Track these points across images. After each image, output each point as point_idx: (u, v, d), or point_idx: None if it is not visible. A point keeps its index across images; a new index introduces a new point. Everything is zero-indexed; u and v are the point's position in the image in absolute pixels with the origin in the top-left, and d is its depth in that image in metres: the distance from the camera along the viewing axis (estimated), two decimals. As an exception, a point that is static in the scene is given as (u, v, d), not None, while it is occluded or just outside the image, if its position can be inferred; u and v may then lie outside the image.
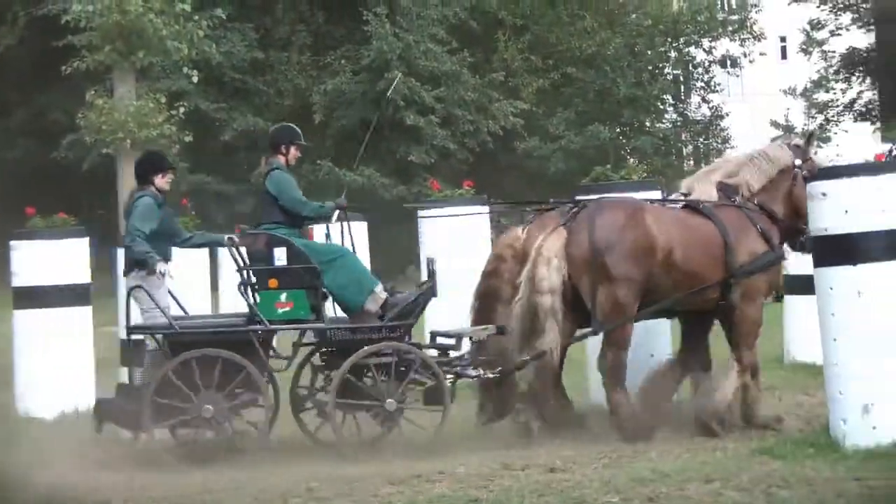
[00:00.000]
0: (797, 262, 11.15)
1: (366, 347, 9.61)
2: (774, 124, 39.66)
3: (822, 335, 8.82)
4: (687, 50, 36.95)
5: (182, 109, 25.35)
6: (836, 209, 8.68)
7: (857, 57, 39.50)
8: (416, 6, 31.18)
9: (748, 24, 38.60)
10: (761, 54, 39.93)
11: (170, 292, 10.18)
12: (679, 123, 36.75)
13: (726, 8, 44.45)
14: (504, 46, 32.59)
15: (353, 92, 30.85)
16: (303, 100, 31.45)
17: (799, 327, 12.75)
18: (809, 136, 10.66)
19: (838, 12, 39.58)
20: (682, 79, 37.65)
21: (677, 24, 36.04)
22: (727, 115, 38.26)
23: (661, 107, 36.35)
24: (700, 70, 37.60)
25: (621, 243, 9.64)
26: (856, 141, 38.07)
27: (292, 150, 10.50)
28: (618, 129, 34.12)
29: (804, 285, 10.87)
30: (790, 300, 12.75)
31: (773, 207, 10.18)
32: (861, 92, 39.94)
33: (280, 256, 9.89)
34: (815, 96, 39.68)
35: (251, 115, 30.68)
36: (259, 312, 9.74)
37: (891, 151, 34.52)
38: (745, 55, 38.99)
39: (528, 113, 31.76)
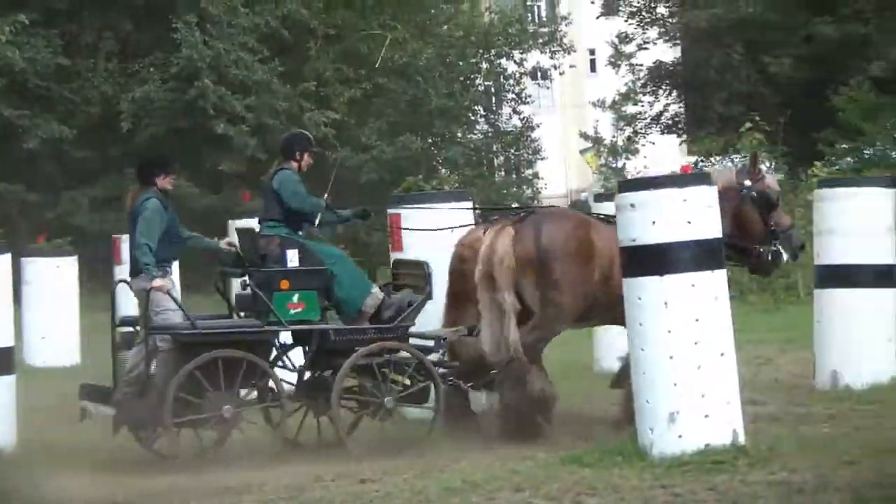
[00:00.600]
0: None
1: (366, 347, 9.96)
2: (584, 136, 40.13)
3: (630, 345, 8.92)
4: (498, 62, 37.21)
5: (-16, 116, 24.69)
6: (644, 220, 8.78)
7: (663, 70, 40.27)
8: (227, 15, 30.84)
9: (558, 37, 39.03)
10: (571, 67, 40.42)
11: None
12: (490, 134, 36.99)
13: (537, 20, 44.99)
14: (316, 56, 32.42)
15: (161, 100, 30.39)
16: (110, 107, 30.85)
17: (608, 337, 12.89)
18: (753, 158, 11.33)
19: (646, 26, 40.29)
20: (493, 90, 37.90)
21: (489, 36, 36.27)
22: (538, 126, 38.62)
23: (473, 118, 36.55)
24: (511, 82, 37.89)
25: (565, 250, 9.97)
26: (663, 153, 38.83)
27: (306, 156, 10.68)
28: (429, 140, 34.20)
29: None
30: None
31: None
32: (668, 105, 40.71)
33: (293, 258, 10.15)
34: (623, 109, 40.26)
35: (56, 123, 29.99)
36: (276, 313, 9.95)
37: (696, 163, 35.37)
38: (555, 67, 39.42)
39: (340, 123, 31.64)
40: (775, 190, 11.01)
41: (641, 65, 40.20)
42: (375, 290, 10.39)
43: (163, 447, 10.06)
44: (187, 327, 9.92)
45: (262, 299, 10.02)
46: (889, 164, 27.62)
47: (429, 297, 10.26)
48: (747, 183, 10.72)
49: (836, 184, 12.91)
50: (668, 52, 42.29)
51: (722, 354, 8.76)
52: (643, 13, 40.19)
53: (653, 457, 8.53)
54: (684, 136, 41.71)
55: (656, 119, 40.39)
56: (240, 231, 11.13)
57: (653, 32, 40.19)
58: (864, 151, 28.73)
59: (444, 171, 32.67)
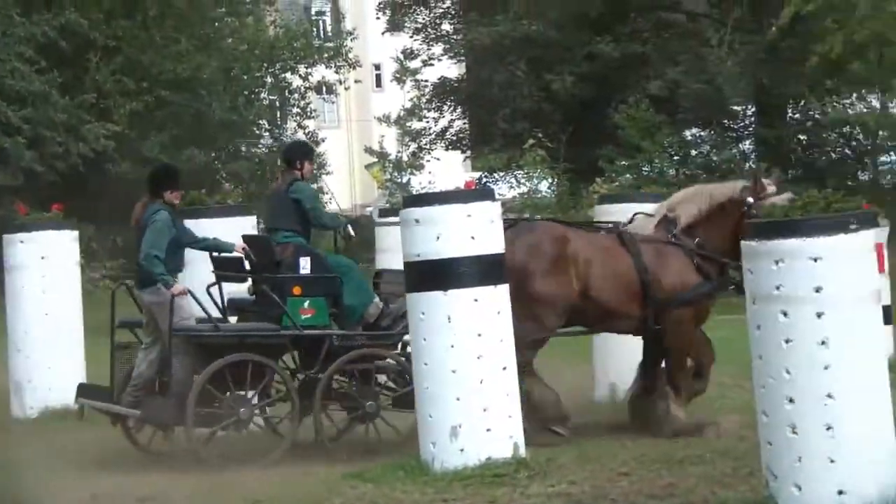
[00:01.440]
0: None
1: (348, 354, 10.24)
2: (369, 151, 40.17)
3: (414, 360, 8.93)
4: (283, 76, 37.04)
5: None
6: (428, 235, 8.80)
7: (448, 87, 40.55)
8: (2, 24, 30.02)
9: (343, 52, 39.04)
10: (357, 82, 40.45)
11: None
12: (275, 148, 36.75)
13: (322, 35, 44.93)
14: (96, 67, 31.79)
15: (-68, 110, 29.43)
16: None
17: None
18: (755, 176, 10.96)
19: (431, 43, 40.53)
20: (278, 104, 37.72)
21: (273, 50, 36.09)
22: (323, 140, 38.56)
23: (258, 132, 36.31)
24: (296, 96, 37.76)
25: (536, 264, 10.00)
26: (448, 168, 39.08)
27: (306, 164, 11.12)
28: (213, 154, 33.85)
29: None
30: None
31: (712, 241, 10.51)
32: (452, 121, 41.01)
33: (305, 265, 10.52)
34: (408, 124, 40.41)
35: None
36: (291, 318, 10.26)
37: (480, 179, 35.67)
38: (340, 82, 39.41)
39: (121, 136, 31.07)
40: (780, 208, 10.27)
41: (426, 81, 40.42)
42: (377, 299, 10.68)
43: (157, 446, 10.42)
44: (210, 329, 10.25)
45: (277, 303, 10.31)
46: (666, 181, 28.33)
47: None
48: (750, 200, 10.49)
49: (615, 199, 13.11)
50: (452, 69, 42.62)
51: (504, 368, 8.83)
52: (428, 29, 40.42)
53: (435, 471, 8.54)
54: (469, 152, 42.07)
55: (441, 135, 40.64)
56: (251, 238, 11.23)
57: (438, 49, 40.45)
58: (643, 168, 29.42)
59: (228, 185, 32.36)
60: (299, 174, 11.04)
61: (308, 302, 10.35)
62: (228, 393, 10.07)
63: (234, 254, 10.79)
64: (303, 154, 11.26)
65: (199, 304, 10.31)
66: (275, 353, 10.40)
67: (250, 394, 10.26)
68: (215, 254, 10.88)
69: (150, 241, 10.32)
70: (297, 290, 10.36)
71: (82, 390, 10.65)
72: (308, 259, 10.54)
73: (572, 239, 10.34)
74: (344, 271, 10.67)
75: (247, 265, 10.74)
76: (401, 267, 10.29)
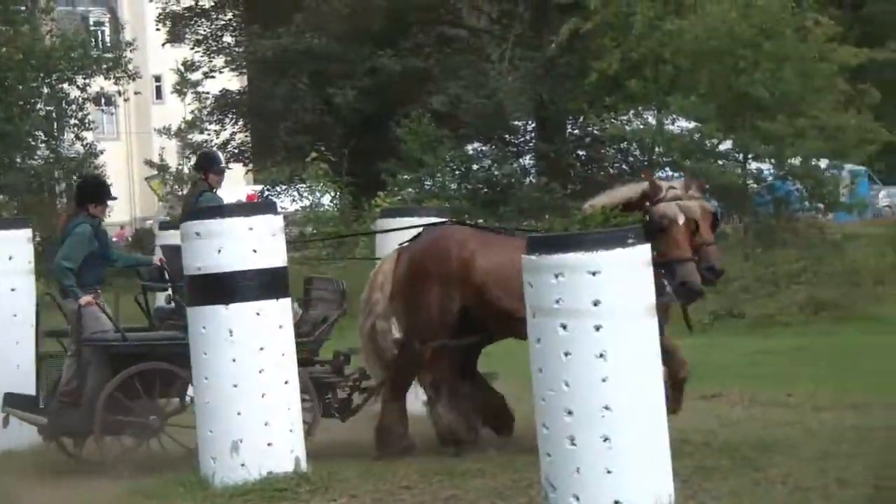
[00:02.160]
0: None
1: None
2: (149, 163, 39.58)
3: (195, 375, 8.84)
4: (60, 86, 36.26)
5: None
6: (210, 249, 8.73)
7: (230, 99, 40.25)
8: None
9: (123, 63, 38.41)
10: (136, 93, 39.82)
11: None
12: (52, 160, 35.95)
13: (101, 46, 44.09)
14: None
15: None
16: None
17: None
18: (650, 179, 10.02)
19: (212, 55, 40.18)
20: (55, 115, 36.86)
21: (50, 60, 35.30)
22: (102, 152, 37.87)
23: (34, 143, 35.46)
24: (74, 107, 36.99)
25: (420, 273, 9.78)
26: (230, 181, 38.71)
27: (211, 175, 11.64)
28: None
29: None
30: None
31: None
32: (234, 133, 40.71)
33: None
34: (189, 136, 39.93)
35: None
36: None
37: (263, 192, 35.46)
38: (119, 94, 38.78)
39: None
40: (670, 214, 9.52)
41: (208, 93, 40.04)
42: (294, 306, 10.27)
43: (90, 454, 10.33)
44: (118, 339, 10.20)
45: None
46: (448, 195, 28.58)
47: (343, 313, 10.44)
48: (648, 203, 9.57)
49: (397, 213, 13.16)
50: (234, 81, 42.33)
51: (286, 382, 8.78)
52: (210, 41, 40.07)
53: (215, 486, 8.46)
54: (251, 165, 41.81)
55: (223, 147, 40.24)
56: (166, 248, 11.23)
57: (219, 61, 40.12)
58: (425, 182, 29.61)
59: (2, 196, 31.55)
60: (206, 184, 11.35)
61: None
62: (137, 402, 9.98)
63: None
64: (209, 164, 11.72)
65: (108, 315, 10.33)
66: (185, 362, 10.02)
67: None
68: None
69: (63, 252, 10.44)
70: None
71: (8, 399, 10.44)
72: None
73: (472, 243, 9.98)
74: None
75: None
76: None
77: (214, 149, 31.89)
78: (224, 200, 11.57)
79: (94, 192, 11.01)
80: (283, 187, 33.97)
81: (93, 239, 10.56)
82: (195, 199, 11.20)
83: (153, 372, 10.05)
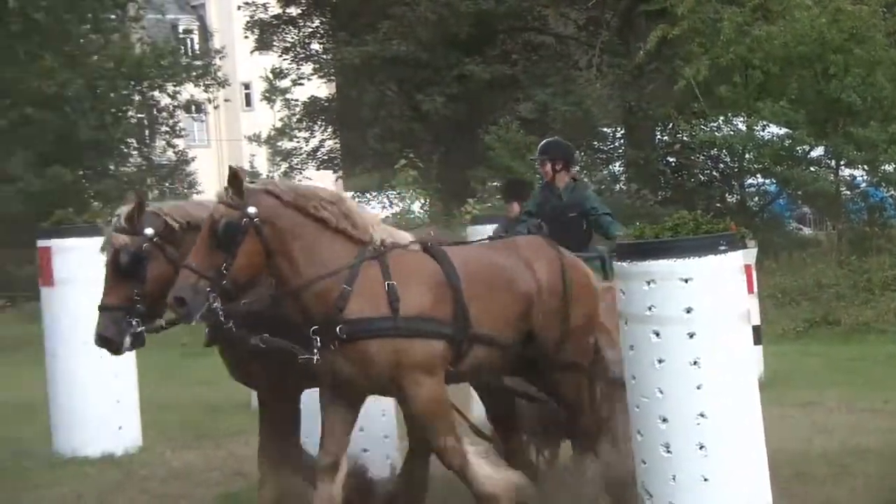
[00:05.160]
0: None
1: None
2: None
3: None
4: (151, 94, 36.66)
5: None
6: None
7: (318, 106, 40.48)
8: None
9: (212, 71, 38.76)
10: (226, 101, 40.17)
11: None
12: (144, 167, 36.35)
13: (190, 53, 44.53)
14: (-44, 84, 31.20)
15: None
16: None
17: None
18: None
19: (300, 62, 40.44)
20: (146, 122, 37.28)
21: (140, 68, 35.68)
22: (193, 159, 38.25)
23: (126, 150, 35.86)
24: (165, 114, 37.39)
25: None
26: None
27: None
28: (81, 172, 33.35)
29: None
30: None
31: None
32: (324, 140, 40.94)
33: None
34: (279, 143, 40.24)
35: None
36: None
37: (352, 198, 35.48)
38: (209, 101, 39.15)
39: (-16, 153, 30.52)
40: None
41: (297, 100, 40.31)
42: None
43: None
44: None
45: None
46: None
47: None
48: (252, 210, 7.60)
49: (488, 220, 13.15)
50: (323, 88, 42.56)
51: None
52: (297, 49, 40.33)
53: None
54: (340, 172, 42.01)
55: (312, 154, 40.54)
56: None
57: (307, 68, 40.36)
58: (514, 189, 29.50)
59: (96, 204, 31.89)
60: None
61: None
62: None
63: None
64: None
65: None
66: None
67: None
68: None
69: None
70: None
71: None
72: None
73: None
74: None
75: None
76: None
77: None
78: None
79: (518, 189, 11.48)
80: (373, 194, 34.10)
81: None
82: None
83: None
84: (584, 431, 8.46)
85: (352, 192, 37.07)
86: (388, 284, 7.50)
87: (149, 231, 7.76)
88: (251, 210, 7.33)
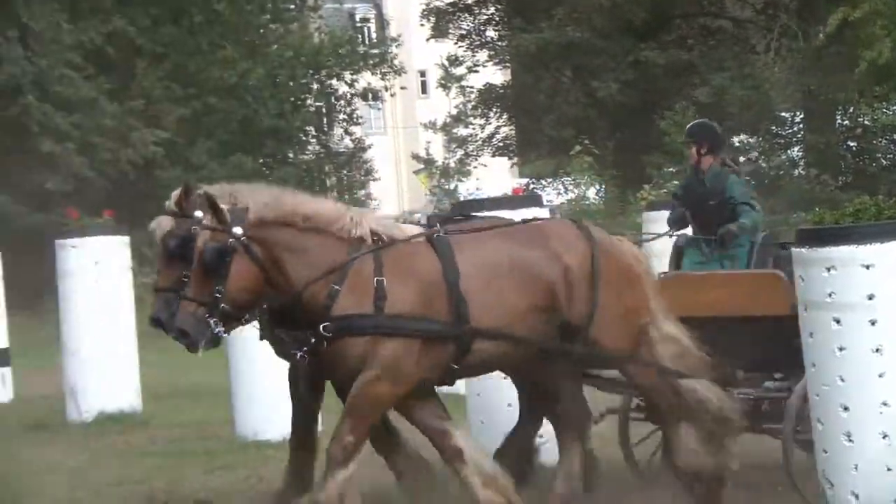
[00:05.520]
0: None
1: None
2: (416, 157, 40.26)
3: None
4: (329, 82, 37.15)
5: None
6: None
7: (494, 93, 40.58)
8: (50, 30, 30.21)
9: (389, 59, 39.12)
10: (402, 88, 40.55)
11: None
12: (322, 155, 36.88)
13: (367, 42, 45.01)
14: (143, 74, 31.96)
15: (-18, 116, 29.63)
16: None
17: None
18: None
19: (475, 49, 40.58)
20: (324, 111, 37.81)
21: (319, 56, 36.19)
22: (370, 147, 38.66)
23: (304, 138, 36.41)
24: (342, 102, 37.86)
25: None
26: (495, 175, 39.11)
27: None
28: (261, 160, 33.96)
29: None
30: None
31: None
32: (499, 127, 41.03)
33: None
34: (454, 130, 40.45)
35: None
36: None
37: (528, 185, 35.65)
38: (386, 89, 39.51)
39: (170, 142, 31.23)
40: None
41: (472, 87, 40.47)
42: None
43: None
44: None
45: None
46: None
47: None
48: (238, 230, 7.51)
49: (663, 206, 13.04)
50: (498, 75, 42.65)
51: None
52: (473, 36, 40.48)
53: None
54: (515, 159, 42.06)
55: (487, 141, 40.68)
56: None
57: (483, 55, 40.49)
58: (690, 175, 29.26)
59: (275, 191, 32.44)
60: None
61: None
62: None
63: None
64: None
65: None
66: None
67: None
68: None
69: None
70: None
71: None
72: None
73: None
74: None
75: None
76: None
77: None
78: None
79: None
80: (549, 180, 34.11)
81: None
82: None
83: None
84: (666, 419, 8.15)
85: (527, 179, 37.19)
86: (376, 281, 7.46)
87: (198, 214, 7.69)
88: (237, 230, 7.37)
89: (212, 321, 7.30)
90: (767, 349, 8.52)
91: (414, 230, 7.91)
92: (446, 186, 37.02)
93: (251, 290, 7.45)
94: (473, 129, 40.38)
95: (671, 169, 29.23)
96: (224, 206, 7.46)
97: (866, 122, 29.18)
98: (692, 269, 9.43)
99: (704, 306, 8.53)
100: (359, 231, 7.57)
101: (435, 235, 7.75)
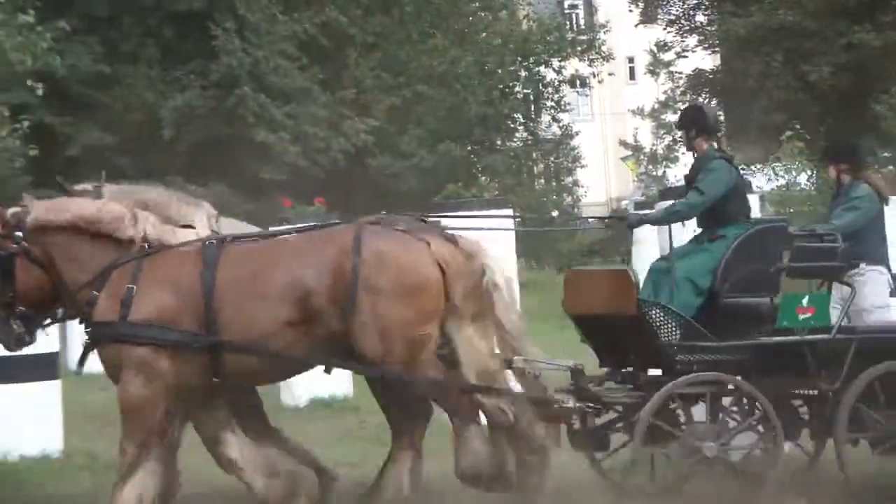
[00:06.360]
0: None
1: None
2: (623, 144, 40.11)
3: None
4: (537, 69, 37.19)
5: (26, 123, 24.70)
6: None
7: (703, 78, 40.16)
8: (265, 22, 30.89)
9: (597, 45, 39.00)
10: (610, 74, 40.40)
11: None
12: (530, 142, 36.96)
13: (575, 28, 44.93)
14: (355, 63, 32.47)
15: (202, 107, 30.44)
16: (151, 115, 30.95)
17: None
18: None
19: (684, 34, 40.20)
20: (532, 98, 37.87)
21: (527, 44, 36.26)
22: (577, 134, 38.62)
23: (512, 125, 36.53)
24: (550, 89, 37.87)
25: None
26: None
27: None
28: (469, 148, 34.21)
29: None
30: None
31: None
32: (707, 113, 40.57)
33: None
34: (662, 116, 40.13)
35: (97, 131, 30.08)
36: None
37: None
38: (594, 75, 39.39)
39: (380, 130, 31.67)
40: None
41: (681, 73, 40.12)
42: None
43: None
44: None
45: None
46: (930, 172, 27.45)
47: None
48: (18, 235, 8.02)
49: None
50: (707, 60, 42.18)
51: None
52: (682, 21, 40.10)
53: None
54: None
55: (696, 126, 40.25)
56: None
57: (692, 40, 40.08)
58: (908, 160, 28.58)
59: (483, 178, 32.66)
60: None
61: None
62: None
63: None
64: None
65: None
66: None
67: None
68: None
69: None
70: None
71: None
72: None
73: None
74: None
75: None
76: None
77: None
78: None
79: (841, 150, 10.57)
80: (758, 166, 33.63)
81: None
82: None
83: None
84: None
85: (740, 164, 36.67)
86: (127, 288, 7.59)
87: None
88: (17, 234, 7.75)
89: (13, 323, 7.70)
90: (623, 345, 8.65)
91: (189, 236, 7.92)
92: (654, 173, 36.79)
93: (40, 293, 7.79)
94: (682, 114, 40.06)
95: (887, 154, 28.55)
96: (8, 212, 7.83)
97: None
98: (677, 257, 9.29)
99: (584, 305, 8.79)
100: (130, 233, 7.77)
101: (206, 244, 7.78)
